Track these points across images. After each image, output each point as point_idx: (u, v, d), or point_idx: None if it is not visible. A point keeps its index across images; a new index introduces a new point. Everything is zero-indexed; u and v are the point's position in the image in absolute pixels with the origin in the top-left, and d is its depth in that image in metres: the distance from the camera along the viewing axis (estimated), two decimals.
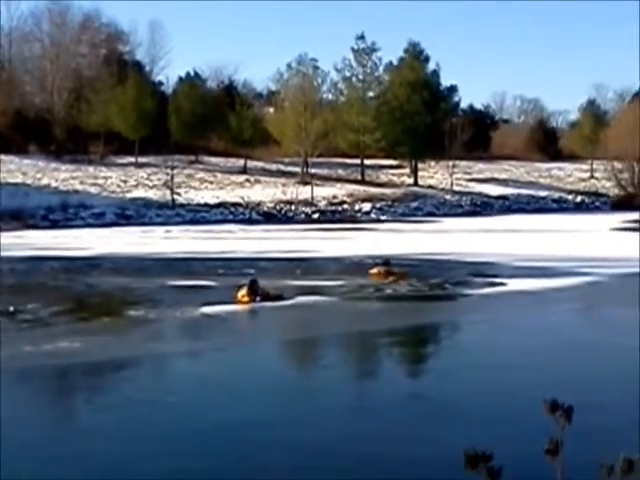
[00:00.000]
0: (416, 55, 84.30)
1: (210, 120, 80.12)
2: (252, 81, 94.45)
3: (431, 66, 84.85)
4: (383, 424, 12.81)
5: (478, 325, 21.92)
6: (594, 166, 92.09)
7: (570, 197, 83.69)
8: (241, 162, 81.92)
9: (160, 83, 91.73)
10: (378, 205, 71.96)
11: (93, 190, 68.20)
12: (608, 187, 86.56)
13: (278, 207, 68.92)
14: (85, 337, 19.26)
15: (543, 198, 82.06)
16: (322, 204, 70.84)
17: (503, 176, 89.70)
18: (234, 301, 23.73)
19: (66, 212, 61.58)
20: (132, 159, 78.94)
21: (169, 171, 69.09)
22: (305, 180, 75.91)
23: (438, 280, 29.24)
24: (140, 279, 29.79)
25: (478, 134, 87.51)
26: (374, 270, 29.70)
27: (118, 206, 64.39)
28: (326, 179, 79.57)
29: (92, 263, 35.90)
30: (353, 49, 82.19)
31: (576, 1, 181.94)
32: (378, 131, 78.77)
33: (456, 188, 79.89)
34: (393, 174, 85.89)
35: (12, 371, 16.03)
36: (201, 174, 77.80)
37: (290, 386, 15.61)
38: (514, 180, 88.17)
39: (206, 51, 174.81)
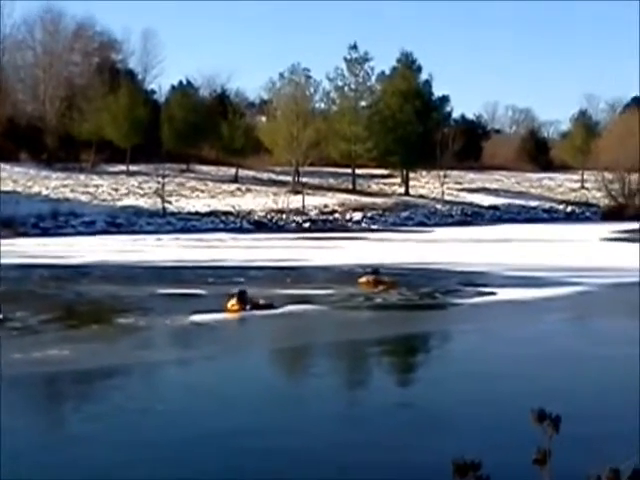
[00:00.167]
0: (408, 65, 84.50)
1: (202, 129, 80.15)
2: (244, 90, 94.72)
3: (423, 76, 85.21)
4: (373, 432, 12.78)
5: (468, 334, 21.90)
6: (585, 176, 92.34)
7: (561, 207, 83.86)
8: (232, 171, 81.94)
9: (152, 92, 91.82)
10: (369, 214, 72.01)
11: (84, 198, 68.10)
12: (598, 197, 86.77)
13: (269, 216, 68.89)
14: (74, 345, 19.20)
15: (534, 208, 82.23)
16: (313, 213, 70.85)
17: (494, 186, 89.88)
18: (224, 310, 23.69)
19: (57, 220, 61.45)
20: (123, 167, 78.90)
21: (160, 179, 69.05)
22: (296, 189, 75.93)
23: (428, 289, 29.25)
24: (130, 287, 29.74)
25: (469, 144, 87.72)
26: (363, 279, 29.71)
27: (109, 214, 64.29)
28: (317, 188, 79.61)
29: (82, 271, 35.81)
30: (346, 59, 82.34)
31: (568, 12, 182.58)
32: (370, 140, 78.89)
33: (447, 198, 80.00)
34: (384, 183, 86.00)
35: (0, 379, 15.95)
36: (192, 183, 77.80)
37: (279, 394, 15.58)
38: (505, 190, 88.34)
39: (199, 60, 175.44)
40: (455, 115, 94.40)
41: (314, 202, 73.20)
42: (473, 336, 21.65)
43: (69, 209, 63.62)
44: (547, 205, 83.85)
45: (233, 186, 78.10)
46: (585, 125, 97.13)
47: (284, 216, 69.03)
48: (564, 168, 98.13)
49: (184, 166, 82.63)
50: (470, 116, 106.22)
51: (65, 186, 71.01)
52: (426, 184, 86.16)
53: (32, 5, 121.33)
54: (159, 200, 67.40)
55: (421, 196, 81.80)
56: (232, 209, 69.39)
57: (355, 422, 13.65)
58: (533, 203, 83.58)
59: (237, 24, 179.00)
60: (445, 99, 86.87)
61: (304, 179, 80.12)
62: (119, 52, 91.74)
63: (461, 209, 78.31)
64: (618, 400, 14.42)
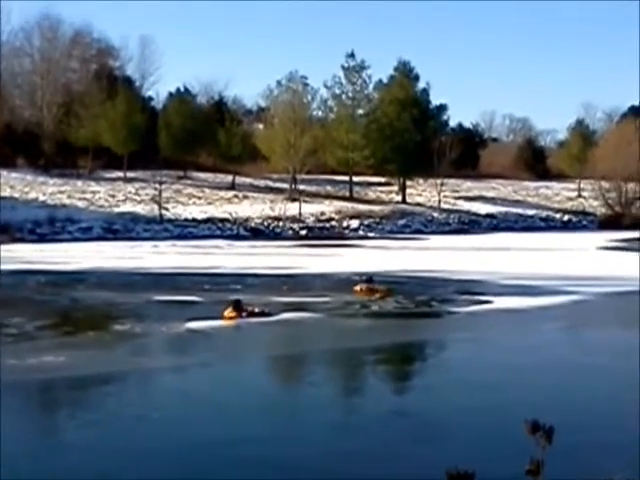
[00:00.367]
0: (406, 73, 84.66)
1: (199, 136, 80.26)
2: (242, 97, 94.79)
3: (421, 84, 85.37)
4: (367, 441, 12.77)
5: (464, 343, 21.90)
6: (582, 185, 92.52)
7: (558, 216, 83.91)
8: (229, 178, 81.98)
9: (150, 98, 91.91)
10: (366, 222, 72.01)
11: (81, 204, 68.07)
12: (595, 206, 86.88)
13: (266, 223, 68.89)
14: (70, 351, 19.21)
15: (531, 217, 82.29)
16: (310, 220, 70.86)
17: (491, 194, 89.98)
18: (220, 317, 23.68)
19: (53, 226, 61.42)
20: (120, 174, 78.92)
21: (157, 186, 69.07)
22: (293, 196, 75.97)
23: (425, 297, 29.25)
24: (126, 294, 29.71)
25: (467, 152, 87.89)
26: (357, 287, 29.72)
27: (106, 220, 64.27)
28: (314, 196, 79.66)
29: (79, 277, 35.78)
30: (343, 67, 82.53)
31: (566, 21, 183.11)
32: (367, 148, 79.00)
33: (444, 206, 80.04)
34: (381, 191, 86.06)
35: None
36: (189, 189, 77.83)
37: (274, 402, 15.56)
38: (502, 198, 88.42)
39: (197, 67, 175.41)
40: (452, 124, 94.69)
41: (311, 209, 73.23)
42: (469, 345, 21.65)
43: (66, 215, 63.61)
44: (544, 214, 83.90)
45: (230, 193, 78.12)
46: (582, 134, 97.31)
47: (281, 223, 69.03)
48: (561, 177, 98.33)
49: (181, 173, 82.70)
50: (467, 125, 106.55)
51: (62, 192, 70.99)
52: (423, 192, 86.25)
53: (30, 12, 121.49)
54: (156, 207, 67.38)
55: (418, 204, 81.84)
56: (229, 216, 69.37)
57: (350, 431, 13.65)
58: (530, 212, 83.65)
59: (235, 31, 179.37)
60: (442, 107, 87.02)
61: (301, 186, 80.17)
62: (117, 59, 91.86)
63: (458, 217, 78.35)
64: (610, 411, 14.42)
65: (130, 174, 78.81)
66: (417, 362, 21.00)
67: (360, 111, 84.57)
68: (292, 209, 71.57)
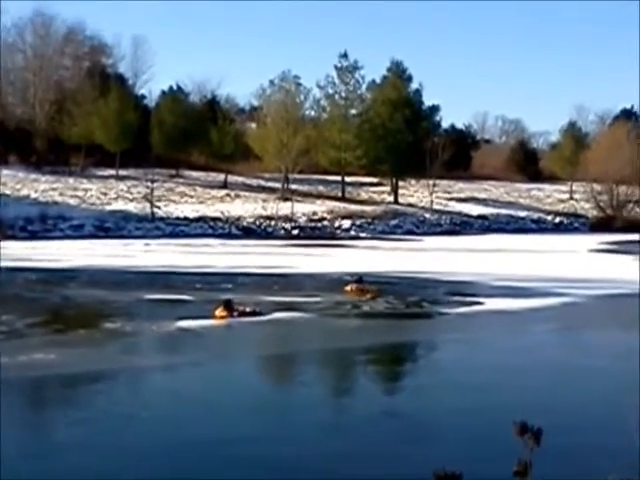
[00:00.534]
0: (399, 74, 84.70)
1: (192, 134, 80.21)
2: (235, 96, 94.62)
3: (414, 85, 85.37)
4: (357, 441, 12.79)
5: (454, 344, 21.94)
6: (574, 187, 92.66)
7: (549, 218, 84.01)
8: (222, 177, 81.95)
9: (143, 96, 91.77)
10: (358, 222, 72.01)
11: (72, 202, 67.97)
12: (587, 208, 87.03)
13: (258, 222, 68.85)
14: (60, 349, 19.18)
15: (522, 218, 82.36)
16: (302, 220, 70.84)
17: (483, 196, 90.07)
18: (211, 316, 23.67)
19: (45, 223, 61.31)
20: (113, 172, 78.83)
21: (149, 184, 69.01)
22: (285, 196, 75.97)
23: (416, 298, 29.27)
24: (118, 292, 29.69)
25: (459, 154, 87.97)
26: (348, 287, 29.73)
27: (97, 218, 64.17)
28: (306, 195, 79.68)
29: (70, 275, 35.72)
30: (336, 67, 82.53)
31: (559, 23, 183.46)
32: (360, 148, 79.01)
33: (436, 207, 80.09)
34: (374, 192, 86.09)
35: None
36: (181, 188, 77.76)
37: (264, 401, 15.56)
38: (494, 200, 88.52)
39: (189, 65, 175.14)
40: (445, 125, 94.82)
41: (303, 209, 73.22)
42: (459, 346, 21.68)
43: (58, 212, 63.50)
44: (536, 215, 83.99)
45: (222, 192, 78.07)
46: (574, 136, 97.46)
47: (273, 223, 69.00)
48: (553, 179, 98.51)
49: (173, 171, 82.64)
50: (460, 126, 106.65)
51: (54, 189, 70.88)
52: (415, 193, 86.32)
53: (23, 8, 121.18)
54: (148, 205, 67.30)
55: (410, 205, 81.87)
56: (221, 215, 69.32)
57: (340, 430, 13.66)
58: (522, 213, 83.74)
59: (228, 30, 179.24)
60: (435, 108, 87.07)
61: (293, 186, 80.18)
62: (110, 56, 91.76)
63: (450, 218, 78.39)
64: (600, 412, 14.45)
65: (122, 172, 78.72)
66: (407, 363, 21.02)
67: (353, 111, 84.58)
68: (284, 209, 71.56)
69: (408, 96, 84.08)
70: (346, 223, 71.42)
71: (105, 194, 71.86)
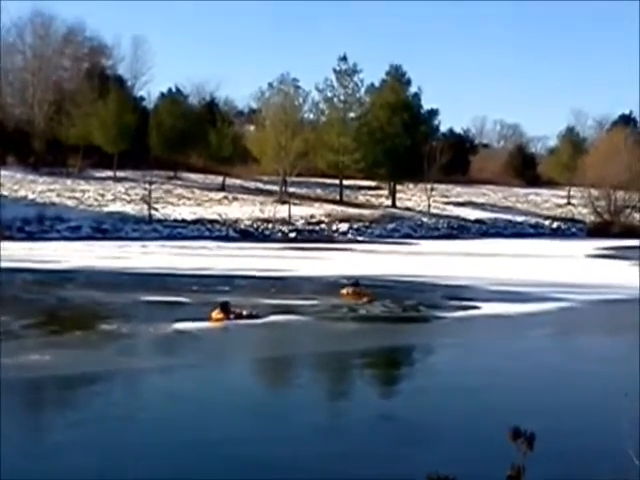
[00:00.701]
0: (398, 77, 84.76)
1: (190, 136, 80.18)
2: (234, 99, 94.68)
3: (412, 89, 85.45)
4: (351, 443, 12.78)
5: (450, 348, 21.93)
6: (571, 193, 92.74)
7: (547, 223, 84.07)
8: (220, 179, 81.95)
9: (142, 98, 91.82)
10: (355, 226, 72.04)
11: (70, 203, 67.94)
12: (584, 214, 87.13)
13: (255, 225, 68.86)
14: (56, 351, 19.16)
15: (520, 223, 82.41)
16: (299, 223, 70.85)
17: (481, 200, 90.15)
18: (208, 319, 23.67)
19: (42, 224, 61.29)
20: (110, 173, 78.82)
21: (147, 186, 69.00)
22: (283, 199, 76.00)
23: (412, 302, 29.24)
24: (114, 293, 29.67)
25: (457, 158, 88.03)
26: (344, 290, 29.71)
27: (95, 220, 64.15)
28: (304, 198, 79.72)
29: (67, 276, 35.71)
30: (335, 70, 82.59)
31: (557, 28, 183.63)
32: (358, 152, 79.06)
33: (433, 211, 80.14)
34: (371, 195, 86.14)
35: None
36: (179, 190, 77.75)
37: (260, 404, 15.55)
38: (491, 204, 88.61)
39: (188, 67, 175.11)
40: (443, 129, 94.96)
41: (301, 212, 73.26)
42: (456, 350, 21.67)
43: (55, 214, 63.49)
44: (533, 220, 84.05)
45: (220, 194, 78.07)
46: (572, 141, 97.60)
47: (270, 225, 69.01)
48: (551, 184, 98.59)
49: (171, 173, 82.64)
50: (458, 130, 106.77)
51: (51, 190, 70.86)
52: (413, 197, 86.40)
53: (22, 8, 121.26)
54: (145, 207, 67.28)
55: (407, 209, 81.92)
56: (218, 217, 69.32)
57: (335, 433, 13.66)
58: (519, 218, 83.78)
59: (227, 33, 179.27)
60: (434, 112, 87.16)
61: (291, 189, 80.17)
62: (109, 58, 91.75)
63: (447, 222, 78.43)
64: (595, 417, 14.45)
65: (120, 174, 78.72)
66: (403, 366, 21.01)
67: (351, 114, 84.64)
68: (282, 211, 71.58)
69: (407, 100, 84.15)
70: (343, 226, 71.44)
71: (103, 196, 71.84)
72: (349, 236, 69.23)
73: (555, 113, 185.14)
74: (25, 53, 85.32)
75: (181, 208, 71.01)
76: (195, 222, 67.34)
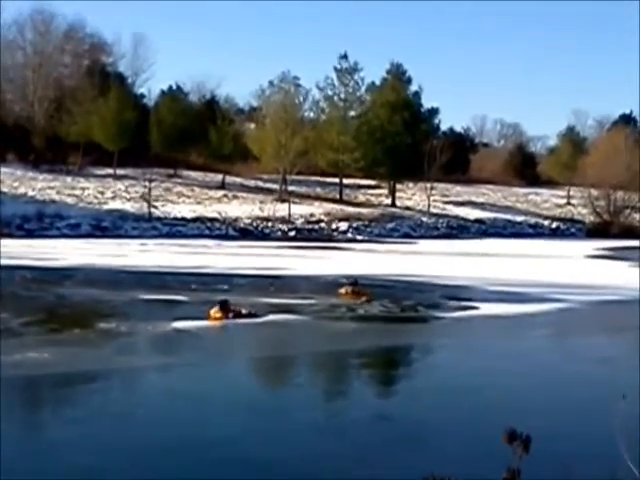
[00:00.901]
0: (398, 76, 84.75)
1: (191, 134, 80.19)
2: (234, 96, 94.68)
3: (413, 87, 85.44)
4: (349, 444, 12.78)
5: (449, 349, 21.94)
6: (571, 192, 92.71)
7: (546, 223, 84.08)
8: (220, 177, 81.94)
9: (142, 95, 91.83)
10: (355, 225, 72.06)
11: (70, 200, 67.98)
12: (584, 214, 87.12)
13: (255, 223, 68.87)
14: (55, 348, 19.15)
15: (519, 223, 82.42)
16: (299, 222, 70.86)
17: (480, 200, 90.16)
18: (206, 317, 23.67)
19: (42, 222, 61.33)
20: (110, 171, 78.81)
21: (147, 184, 69.01)
22: (283, 197, 76.02)
23: (411, 302, 29.22)
24: (113, 291, 29.68)
25: (457, 157, 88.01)
26: (342, 290, 29.68)
27: (94, 217, 64.19)
28: (304, 197, 79.74)
29: (66, 274, 35.71)
30: (336, 68, 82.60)
31: (557, 28, 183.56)
32: (358, 151, 79.06)
33: (433, 210, 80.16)
34: (371, 194, 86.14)
35: None
36: (179, 188, 77.76)
37: (258, 403, 15.55)
38: (491, 204, 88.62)
39: (189, 65, 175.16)
40: (443, 128, 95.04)
41: (300, 211, 73.27)
42: (454, 350, 21.67)
43: (55, 211, 63.53)
44: (533, 220, 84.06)
45: (220, 192, 78.08)
46: (572, 141, 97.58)
47: (270, 224, 69.02)
48: (551, 183, 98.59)
49: (171, 171, 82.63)
50: (458, 129, 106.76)
51: (51, 188, 70.90)
52: (413, 196, 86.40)
53: (23, 5, 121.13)
54: (145, 204, 67.31)
55: (407, 208, 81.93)
56: (218, 215, 69.34)
57: (333, 433, 13.66)
58: (519, 218, 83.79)
59: (228, 30, 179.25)
60: (434, 111, 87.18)
61: (291, 187, 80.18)
62: (109, 55, 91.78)
63: (447, 222, 78.45)
64: (591, 419, 14.45)
65: (120, 171, 78.72)
66: (401, 366, 20.99)
67: (352, 113, 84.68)
68: (281, 210, 71.60)
69: (407, 98, 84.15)
70: (343, 225, 71.46)
71: (102, 193, 71.87)
72: (348, 235, 69.25)
73: (555, 112, 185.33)
74: (26, 50, 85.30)
75: (181, 206, 71.03)
76: (195, 220, 67.37)
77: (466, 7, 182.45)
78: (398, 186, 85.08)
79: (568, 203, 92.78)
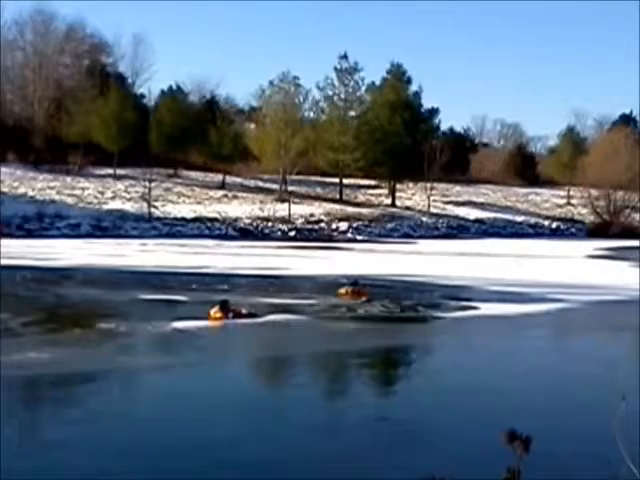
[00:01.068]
0: (398, 76, 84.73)
1: (191, 134, 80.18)
2: (234, 97, 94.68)
3: (413, 88, 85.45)
4: (348, 445, 12.77)
5: (448, 348, 21.94)
6: (571, 193, 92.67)
7: (546, 223, 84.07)
8: (220, 177, 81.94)
9: (142, 96, 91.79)
10: (355, 225, 72.07)
11: (70, 201, 68.00)
12: (584, 214, 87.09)
13: (255, 223, 68.87)
14: (54, 348, 19.13)
15: (519, 223, 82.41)
16: (299, 222, 70.87)
17: (480, 200, 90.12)
18: (207, 317, 23.65)
19: (42, 222, 61.34)
20: (110, 171, 78.81)
21: (147, 184, 69.00)
22: (283, 197, 76.01)
23: (411, 302, 29.19)
24: (113, 291, 29.67)
25: (457, 157, 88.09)
26: (342, 290, 29.64)
27: (94, 217, 64.22)
28: (304, 197, 79.74)
29: (66, 274, 35.72)
30: (336, 68, 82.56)
31: (558, 29, 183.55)
32: (358, 151, 79.03)
33: (433, 210, 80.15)
34: (371, 194, 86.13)
35: None
36: (179, 188, 77.78)
37: (258, 403, 15.53)
38: (491, 204, 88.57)
39: (189, 65, 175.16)
40: (443, 128, 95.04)
41: (300, 211, 73.27)
42: (454, 350, 21.67)
43: (55, 211, 63.54)
44: (533, 220, 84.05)
45: (220, 192, 78.08)
46: (572, 141, 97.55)
47: (270, 224, 69.01)
48: (551, 183, 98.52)
49: (171, 171, 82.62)
50: (458, 129, 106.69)
51: (51, 188, 70.92)
52: (413, 196, 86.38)
53: (23, 6, 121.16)
54: (145, 204, 67.30)
55: (407, 208, 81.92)
56: (218, 215, 69.35)
57: (332, 433, 13.64)
58: (519, 218, 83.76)
59: (228, 30, 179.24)
60: (434, 111, 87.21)
61: (291, 187, 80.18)
62: (109, 55, 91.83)
63: (447, 222, 78.45)
64: (589, 418, 14.44)
65: (120, 171, 78.70)
66: (401, 366, 20.97)
67: (352, 113, 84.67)
68: (281, 210, 71.61)
69: (407, 98, 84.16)
70: (343, 225, 71.45)
71: (102, 193, 71.90)
72: (348, 235, 69.25)
73: (555, 113, 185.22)
74: (26, 50, 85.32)
75: (181, 206, 71.05)
76: (195, 220, 67.39)
77: (466, 7, 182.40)
78: (398, 186, 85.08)
79: (568, 203, 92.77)
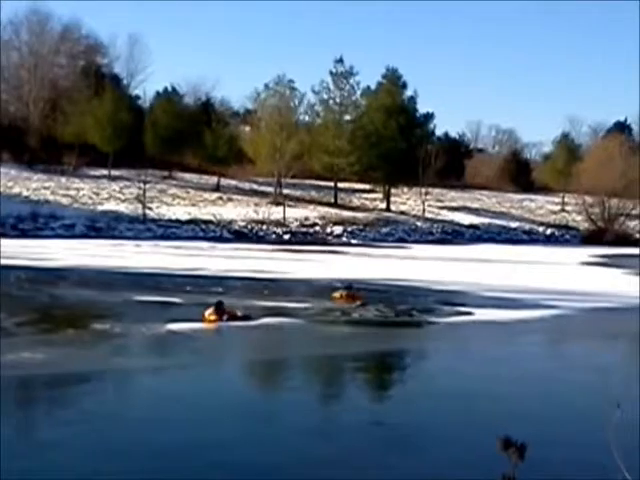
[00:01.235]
0: (394, 81, 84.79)
1: (186, 136, 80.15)
2: (229, 99, 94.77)
3: (408, 92, 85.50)
4: (342, 449, 12.77)
5: (442, 354, 21.96)
6: (566, 199, 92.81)
7: (541, 229, 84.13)
8: (214, 179, 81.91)
9: (137, 97, 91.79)
10: (349, 229, 72.05)
11: (64, 201, 67.91)
12: (578, 221, 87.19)
13: (249, 226, 68.82)
14: (48, 349, 19.11)
15: (514, 229, 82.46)
16: (294, 225, 70.84)
17: (475, 205, 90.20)
18: (201, 319, 23.65)
19: (36, 222, 61.23)
20: (105, 172, 78.74)
21: (142, 185, 68.96)
22: (278, 200, 75.99)
23: (405, 306, 29.18)
24: (107, 293, 29.65)
25: (452, 162, 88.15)
26: (336, 294, 29.65)
27: (89, 218, 64.11)
28: (299, 200, 79.74)
29: (60, 274, 35.68)
30: (331, 72, 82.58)
31: (553, 35, 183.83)
32: (353, 155, 79.05)
33: (428, 215, 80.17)
34: (366, 198, 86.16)
35: None
36: (174, 190, 77.71)
37: (251, 406, 15.53)
38: (486, 210, 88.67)
39: (184, 67, 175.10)
40: (439, 133, 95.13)
41: (295, 214, 73.25)
42: (448, 355, 21.69)
43: (49, 211, 63.43)
44: (527, 226, 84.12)
45: (215, 195, 78.06)
46: (567, 148, 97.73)
47: (264, 227, 68.98)
48: (545, 190, 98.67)
49: (166, 173, 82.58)
50: (453, 134, 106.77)
51: (46, 188, 70.81)
52: (407, 200, 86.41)
53: (19, 6, 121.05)
54: (140, 206, 67.24)
55: (402, 212, 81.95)
56: (213, 218, 69.30)
57: (326, 437, 13.64)
58: (513, 224, 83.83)
59: (224, 33, 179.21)
60: (429, 116, 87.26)
61: (286, 191, 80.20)
62: (105, 56, 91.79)
63: (441, 227, 78.48)
64: (584, 426, 14.46)
65: (115, 172, 78.64)
66: (395, 371, 20.99)
67: (347, 117, 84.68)
68: (276, 213, 71.58)
69: (402, 103, 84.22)
70: (338, 229, 71.44)
71: (97, 194, 71.81)
72: (343, 239, 69.23)
73: (550, 119, 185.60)
74: (21, 50, 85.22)
75: (175, 208, 70.99)
76: (189, 222, 67.33)
77: (462, 12, 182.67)
78: (393, 190, 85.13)
79: (563, 210, 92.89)
